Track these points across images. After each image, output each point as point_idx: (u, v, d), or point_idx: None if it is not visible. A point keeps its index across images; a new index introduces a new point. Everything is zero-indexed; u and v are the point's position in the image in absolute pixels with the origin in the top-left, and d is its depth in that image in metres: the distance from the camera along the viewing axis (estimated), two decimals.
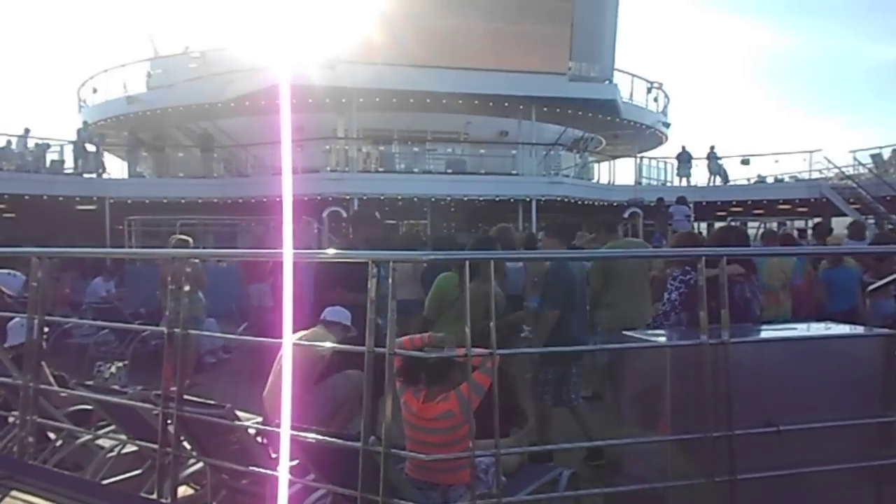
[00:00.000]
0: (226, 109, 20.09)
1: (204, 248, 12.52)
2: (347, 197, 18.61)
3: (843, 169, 23.23)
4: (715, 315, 3.16)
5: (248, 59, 18.35)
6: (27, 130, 20.99)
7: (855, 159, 23.70)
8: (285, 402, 1.50)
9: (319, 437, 3.09)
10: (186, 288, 3.60)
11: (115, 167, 24.69)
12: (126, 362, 7.81)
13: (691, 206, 18.61)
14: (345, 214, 18.31)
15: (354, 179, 19.27)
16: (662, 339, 3.72)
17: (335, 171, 19.49)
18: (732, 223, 17.98)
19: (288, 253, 1.41)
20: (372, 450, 2.89)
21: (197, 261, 6.88)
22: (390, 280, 3.06)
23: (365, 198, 18.98)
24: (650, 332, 4.12)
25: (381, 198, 19.47)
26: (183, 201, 19.24)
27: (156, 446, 3.53)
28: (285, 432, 1.53)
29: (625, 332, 3.81)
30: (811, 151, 23.78)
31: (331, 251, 4.71)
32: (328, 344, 4.29)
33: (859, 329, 3.78)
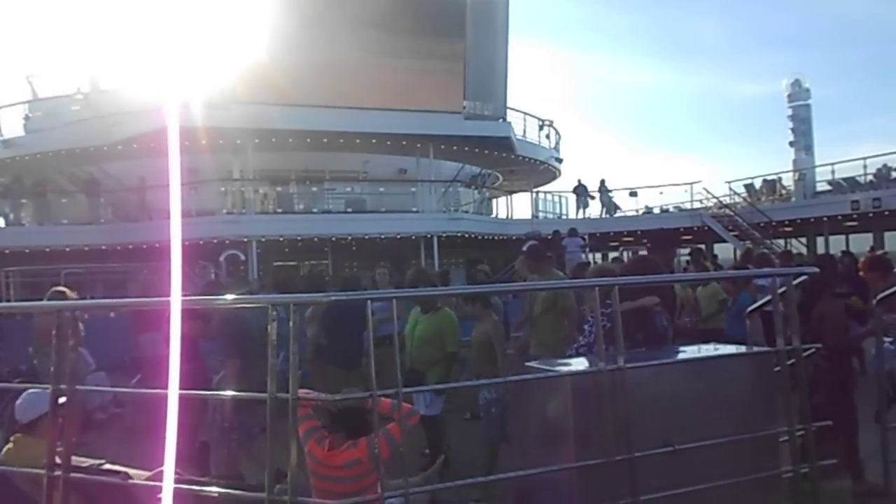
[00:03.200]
0: (112, 152, 19.24)
1: (93, 297, 11.83)
2: (245, 239, 18.16)
3: (721, 199, 24.87)
4: (636, 344, 3.29)
5: (135, 101, 17.73)
6: None
7: (731, 189, 25.48)
8: (169, 454, 1.44)
9: (223, 489, 2.97)
10: (72, 342, 3.40)
11: None
12: (1, 425, 7.22)
13: (585, 237, 19.31)
14: (243, 257, 17.85)
15: (252, 221, 18.85)
16: (564, 369, 3.82)
17: (232, 214, 19.03)
18: (642, 253, 18.85)
19: (176, 300, 1.37)
20: (278, 500, 2.80)
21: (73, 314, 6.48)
22: (290, 323, 3.01)
23: (263, 240, 18.58)
24: (555, 361, 4.21)
25: (281, 239, 19.13)
26: (67, 249, 18.17)
27: None
28: (168, 486, 1.47)
29: (527, 364, 3.89)
30: (692, 183, 25.38)
31: (229, 297, 4.57)
32: (229, 393, 4.15)
33: (742, 348, 4.02)
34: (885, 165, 21.93)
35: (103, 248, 18.65)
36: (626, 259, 16.37)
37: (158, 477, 3.81)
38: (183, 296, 1.38)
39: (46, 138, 20.13)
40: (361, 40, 18.74)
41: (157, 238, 16.85)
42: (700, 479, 3.33)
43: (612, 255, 23.91)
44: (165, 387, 3.70)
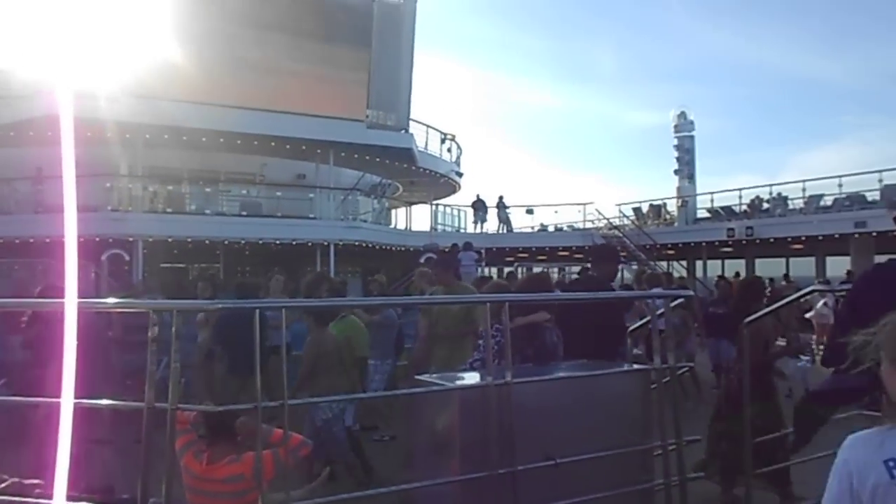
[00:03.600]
0: None
1: None
2: (131, 239, 17.29)
3: (611, 220, 25.97)
4: (526, 359, 3.35)
5: (16, 85, 16.56)
6: None
7: (620, 212, 26.65)
8: (61, 471, 1.35)
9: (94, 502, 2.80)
10: None
11: None
12: None
13: (482, 251, 19.62)
14: (127, 257, 16.98)
15: (139, 220, 17.97)
16: (452, 384, 3.86)
17: (117, 211, 18.06)
18: (535, 270, 19.36)
19: (72, 302, 1.28)
20: None
21: None
22: (173, 329, 2.90)
23: (151, 240, 17.76)
24: (446, 375, 4.25)
25: (169, 240, 18.34)
26: None
27: None
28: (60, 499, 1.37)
29: (416, 377, 3.91)
30: (584, 204, 26.35)
31: (111, 300, 4.34)
32: (105, 401, 3.92)
33: (622, 366, 4.21)
34: (757, 197, 23.60)
35: None
36: (519, 275, 16.75)
37: (10, 490, 3.56)
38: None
39: None
40: (267, 41, 18.38)
41: (31, 232, 15.77)
42: (580, 492, 3.45)
43: (507, 269, 24.44)
44: (35, 393, 3.45)
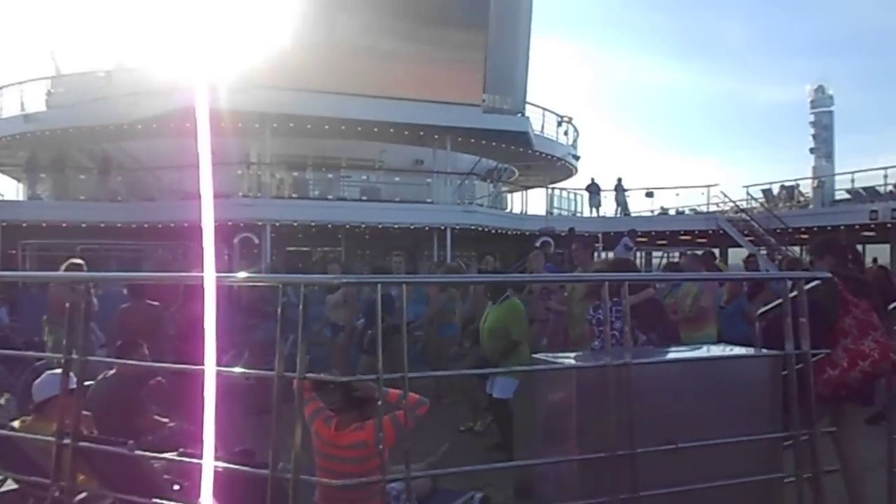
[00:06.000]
0: (132, 131, 19.38)
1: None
2: (259, 223, 18.25)
3: (738, 203, 24.69)
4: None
5: (156, 81, 17.82)
6: None
7: (748, 194, 25.28)
8: (208, 433, 1.45)
9: (229, 465, 3.00)
10: (84, 315, 3.44)
11: (10, 189, 23.44)
12: (11, 395, 7.35)
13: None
14: (256, 241, 17.95)
15: (267, 205, 18.94)
16: (570, 362, 3.83)
17: (247, 197, 19.09)
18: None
19: (210, 276, 1.38)
20: (281, 476, 2.83)
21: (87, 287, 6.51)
22: (300, 304, 3.03)
23: (277, 224, 18.67)
24: (559, 355, 4.22)
25: (295, 224, 19.20)
26: (83, 225, 18.35)
27: (45, 481, 3.34)
28: (208, 464, 1.47)
29: (534, 356, 3.90)
30: (709, 186, 25.18)
31: (241, 275, 4.61)
32: (238, 369, 4.19)
33: (750, 351, 4.01)
34: None
35: (118, 225, 18.82)
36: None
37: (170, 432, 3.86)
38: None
39: (67, 114, 20.29)
40: (384, 27, 18.72)
41: (173, 218, 17.00)
42: (701, 479, 3.33)
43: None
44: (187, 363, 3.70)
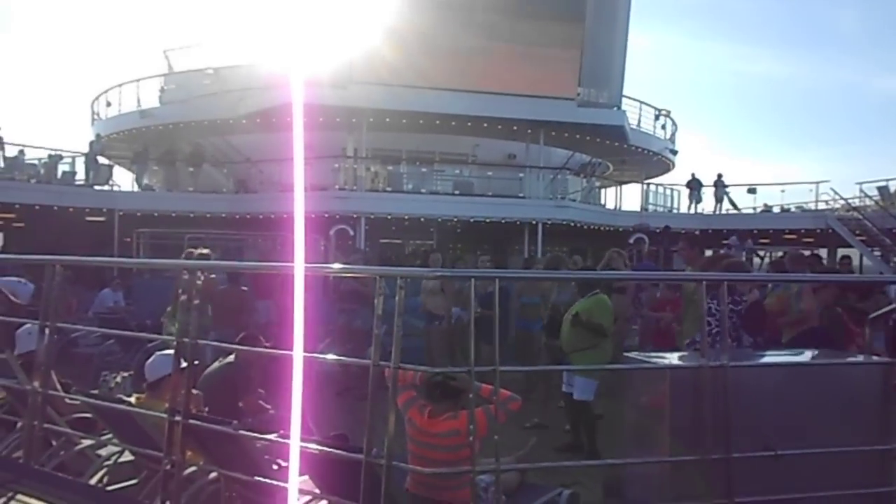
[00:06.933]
0: (237, 126, 20.29)
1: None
2: (355, 215, 18.70)
3: (850, 200, 23.26)
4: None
5: (261, 77, 18.56)
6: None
7: (861, 191, 23.75)
8: (295, 415, 1.52)
9: (324, 448, 3.13)
10: (196, 301, 3.66)
11: (125, 180, 25.01)
12: (131, 373, 7.86)
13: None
14: (352, 232, 18.42)
15: (362, 198, 19.38)
16: (664, 362, 3.76)
17: (343, 190, 19.61)
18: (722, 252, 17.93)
19: (299, 266, 1.45)
20: (374, 462, 2.93)
21: (213, 276, 6.95)
22: (396, 298, 3.12)
23: (372, 217, 19.08)
24: (651, 354, 4.15)
25: (388, 217, 19.56)
26: (191, 215, 19.38)
27: (157, 455, 3.58)
28: (295, 444, 1.56)
29: (626, 354, 3.86)
30: (818, 182, 23.84)
31: (336, 265, 4.78)
32: (332, 356, 4.34)
33: (859, 357, 3.82)
34: None
35: (223, 215, 19.75)
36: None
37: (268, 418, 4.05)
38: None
39: (178, 110, 21.47)
40: (478, 22, 18.75)
41: (272, 209, 17.69)
42: (802, 489, 3.21)
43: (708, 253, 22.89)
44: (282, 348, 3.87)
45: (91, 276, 13.18)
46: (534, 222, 19.75)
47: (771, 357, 3.80)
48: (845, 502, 3.37)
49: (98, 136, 22.50)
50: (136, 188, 22.90)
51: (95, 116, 24.99)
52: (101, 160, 21.73)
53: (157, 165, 23.17)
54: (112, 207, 19.63)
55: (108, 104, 23.96)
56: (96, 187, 20.85)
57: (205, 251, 7.37)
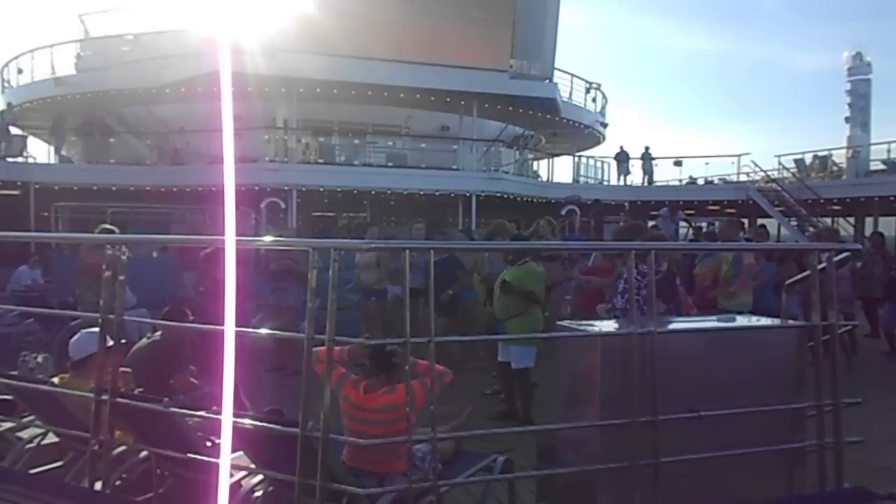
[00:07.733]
0: (161, 95, 19.50)
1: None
2: (286, 188, 18.37)
3: (769, 173, 24.23)
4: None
5: (185, 44, 17.85)
6: None
7: (780, 163, 24.77)
8: (227, 390, 1.49)
9: (258, 423, 3.10)
10: (122, 277, 3.54)
11: (41, 152, 23.78)
12: (53, 353, 7.56)
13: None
14: (283, 205, 18.09)
15: (293, 170, 19.03)
16: (595, 329, 3.86)
17: (274, 162, 19.20)
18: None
19: (230, 239, 1.41)
20: (311, 435, 2.91)
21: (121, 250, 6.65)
22: (330, 271, 3.08)
23: (304, 189, 18.77)
24: (582, 322, 4.25)
25: (321, 189, 19.30)
26: (113, 188, 18.64)
27: (84, 435, 3.47)
28: (227, 419, 1.53)
29: (558, 323, 3.94)
30: (739, 155, 24.73)
31: (268, 238, 4.69)
32: (265, 331, 4.28)
33: (776, 321, 4.00)
34: None
35: (147, 188, 19.07)
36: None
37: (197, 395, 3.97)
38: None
39: (96, 78, 20.42)
40: None
41: (200, 182, 17.17)
42: (724, 447, 3.36)
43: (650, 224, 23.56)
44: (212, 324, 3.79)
45: (6, 253, 12.55)
46: (468, 194, 19.83)
47: (695, 323, 3.95)
48: (762, 458, 3.55)
49: (9, 105, 21.30)
50: (53, 160, 21.81)
51: (6, 84, 23.56)
52: (14, 130, 20.58)
53: (76, 136, 22.10)
54: (27, 180, 18.65)
55: (20, 71, 22.62)
56: (9, 159, 19.75)
57: (109, 226, 6.87)
